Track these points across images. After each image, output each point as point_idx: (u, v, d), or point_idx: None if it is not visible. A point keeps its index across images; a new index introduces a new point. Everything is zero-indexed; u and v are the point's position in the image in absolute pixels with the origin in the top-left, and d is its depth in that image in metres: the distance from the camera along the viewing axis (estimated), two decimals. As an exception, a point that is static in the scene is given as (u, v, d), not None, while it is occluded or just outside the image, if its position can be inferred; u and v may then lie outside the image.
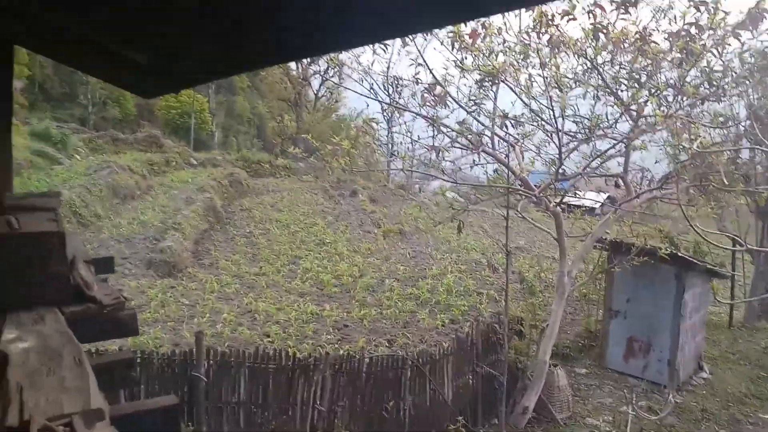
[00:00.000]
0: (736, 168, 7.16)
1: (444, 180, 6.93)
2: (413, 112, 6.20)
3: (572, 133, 6.48)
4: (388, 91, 6.31)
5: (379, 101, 6.37)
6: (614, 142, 6.55)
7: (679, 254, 9.47)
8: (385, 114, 7.17)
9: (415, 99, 6.04)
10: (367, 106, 6.63)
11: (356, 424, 7.72)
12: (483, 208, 8.85)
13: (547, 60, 5.60)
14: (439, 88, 5.82)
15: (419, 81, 6.01)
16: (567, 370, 10.36)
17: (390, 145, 7.76)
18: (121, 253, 14.22)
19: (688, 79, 5.62)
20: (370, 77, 6.27)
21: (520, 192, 6.85)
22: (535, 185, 7.26)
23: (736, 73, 5.61)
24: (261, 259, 16.46)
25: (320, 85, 39.17)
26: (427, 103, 5.97)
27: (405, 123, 6.78)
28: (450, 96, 5.98)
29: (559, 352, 10.89)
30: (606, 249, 10.23)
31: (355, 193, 26.85)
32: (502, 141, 6.71)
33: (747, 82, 5.83)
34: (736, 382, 10.96)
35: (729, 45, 5.46)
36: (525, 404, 8.89)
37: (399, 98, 6.44)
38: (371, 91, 6.60)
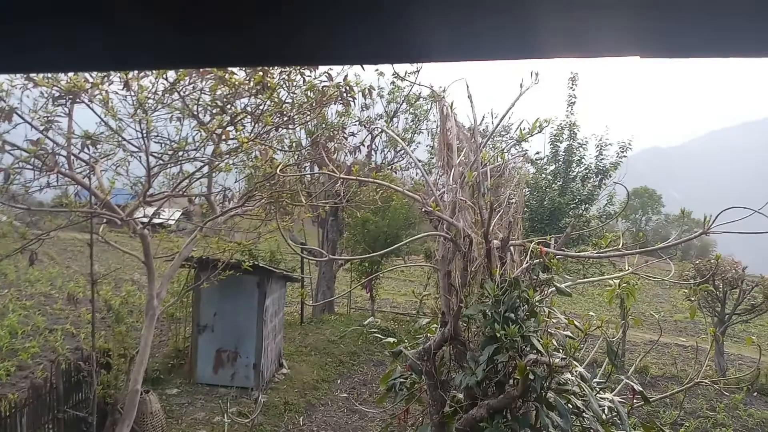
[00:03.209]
0: (305, 186, 8.28)
1: (14, 207, 5.92)
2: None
3: (158, 154, 6.39)
4: None
5: None
6: (201, 164, 6.76)
7: (260, 264, 10.37)
8: None
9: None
10: None
11: None
12: (53, 235, 7.88)
13: (131, 80, 5.39)
14: (-1, 101, 4.91)
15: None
16: (158, 394, 10.15)
17: None
18: None
19: (264, 108, 6.24)
20: None
21: (105, 215, 6.39)
22: (117, 206, 6.88)
23: (302, 105, 6.54)
24: None
25: None
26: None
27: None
28: (17, 112, 5.12)
29: (149, 377, 10.55)
30: (194, 267, 10.42)
31: None
32: (79, 161, 6.13)
33: (310, 114, 6.85)
34: (309, 372, 12.62)
35: (296, 81, 6.33)
36: (117, 440, 8.35)
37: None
38: None
